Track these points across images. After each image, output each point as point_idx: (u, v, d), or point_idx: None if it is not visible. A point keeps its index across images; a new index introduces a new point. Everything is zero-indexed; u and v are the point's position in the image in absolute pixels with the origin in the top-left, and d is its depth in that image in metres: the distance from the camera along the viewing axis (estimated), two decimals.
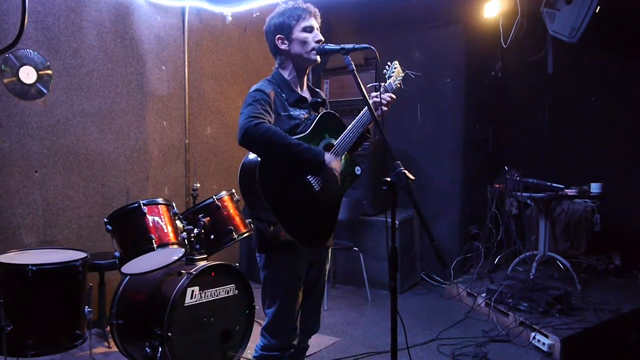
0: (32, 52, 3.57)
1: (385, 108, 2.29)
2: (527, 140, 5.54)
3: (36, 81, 3.59)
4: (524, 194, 4.57)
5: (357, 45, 2.12)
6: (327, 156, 2.08)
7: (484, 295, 4.34)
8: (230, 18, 5.00)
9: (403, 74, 2.47)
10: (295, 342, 2.28)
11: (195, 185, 3.72)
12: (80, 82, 3.89)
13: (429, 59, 5.31)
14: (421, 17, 5.25)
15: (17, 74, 3.50)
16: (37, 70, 3.59)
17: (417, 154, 5.42)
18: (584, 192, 4.55)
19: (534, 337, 3.59)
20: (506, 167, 4.74)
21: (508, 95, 5.76)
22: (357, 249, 4.70)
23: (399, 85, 2.45)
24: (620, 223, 5.04)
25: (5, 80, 3.46)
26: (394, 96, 2.34)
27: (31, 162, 3.62)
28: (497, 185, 4.85)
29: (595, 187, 4.54)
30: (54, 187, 3.74)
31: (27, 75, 3.55)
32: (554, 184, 4.53)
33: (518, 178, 4.58)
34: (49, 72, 3.67)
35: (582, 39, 3.88)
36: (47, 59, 3.66)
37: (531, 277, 4.49)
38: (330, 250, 2.45)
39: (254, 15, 4.95)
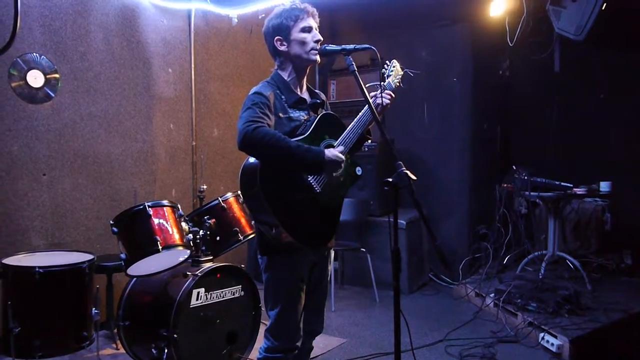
0: (39, 56, 3.61)
1: (387, 101, 2.29)
2: (535, 139, 5.50)
3: (44, 85, 3.63)
4: (532, 193, 4.53)
5: (358, 46, 2.13)
6: (328, 150, 2.08)
7: (492, 295, 4.31)
8: (236, 20, 5.02)
9: (402, 73, 2.47)
10: (298, 344, 2.28)
11: (202, 187, 3.72)
12: (88, 85, 3.92)
13: (435, 58, 5.30)
14: (427, 16, 5.24)
15: (25, 78, 3.53)
16: (44, 74, 3.63)
17: (424, 154, 5.40)
18: (593, 190, 4.51)
19: (542, 338, 3.56)
20: (514, 167, 4.71)
21: (515, 94, 5.72)
22: (364, 249, 4.69)
23: (398, 84, 2.45)
24: (631, 222, 4.97)
25: (14, 84, 3.49)
26: (393, 95, 2.34)
27: (39, 165, 3.65)
28: (506, 185, 4.82)
29: (604, 186, 4.48)
30: (62, 190, 3.77)
31: (35, 79, 3.58)
32: (562, 183, 4.49)
33: (526, 177, 4.55)
34: (57, 75, 3.70)
35: (588, 36, 3.84)
36: (54, 62, 3.69)
37: (540, 277, 4.45)
38: (332, 251, 2.44)
39: (260, 17, 4.96)
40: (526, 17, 4.31)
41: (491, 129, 5.55)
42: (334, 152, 2.11)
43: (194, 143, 4.74)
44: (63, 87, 3.76)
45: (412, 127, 5.42)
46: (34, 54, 3.59)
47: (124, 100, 4.16)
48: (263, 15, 4.87)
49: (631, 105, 5.00)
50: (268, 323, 2.28)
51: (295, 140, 2.06)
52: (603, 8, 3.66)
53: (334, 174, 2.17)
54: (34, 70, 3.57)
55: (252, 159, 2.10)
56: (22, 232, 3.56)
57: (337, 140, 2.22)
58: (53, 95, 3.69)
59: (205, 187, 3.75)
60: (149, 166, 4.36)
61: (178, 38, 4.63)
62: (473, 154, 5.27)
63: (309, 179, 2.11)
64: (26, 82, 3.54)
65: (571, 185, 4.47)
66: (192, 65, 4.73)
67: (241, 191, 2.16)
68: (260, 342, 2.46)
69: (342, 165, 2.15)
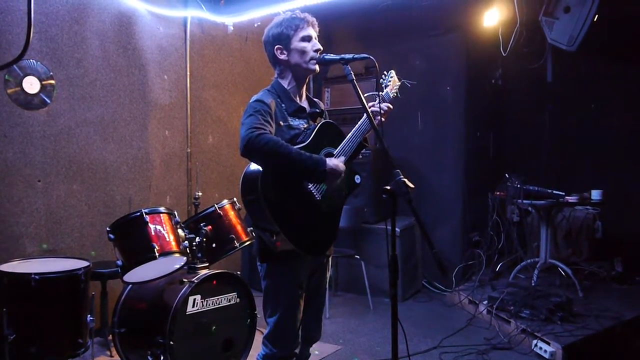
0: (35, 63, 3.61)
1: (383, 118, 2.31)
2: (527, 148, 5.56)
3: (39, 91, 3.63)
4: (525, 201, 4.58)
5: (356, 55, 2.15)
6: (329, 160, 2.10)
7: (485, 302, 4.34)
8: (231, 28, 5.04)
9: (399, 83, 2.50)
10: (296, 351, 2.28)
11: (197, 193, 3.73)
12: (83, 91, 3.92)
13: (429, 67, 5.35)
14: (421, 26, 5.29)
15: (20, 84, 3.53)
16: (40, 81, 3.63)
17: (418, 162, 5.44)
18: (584, 199, 4.56)
19: (535, 345, 3.59)
20: (507, 175, 4.75)
21: (509, 103, 5.79)
22: (358, 256, 4.70)
23: (395, 95, 2.48)
24: (621, 229, 5.04)
25: (9, 91, 3.49)
26: (390, 106, 2.37)
27: (34, 171, 3.64)
28: (498, 193, 4.86)
29: (595, 194, 4.54)
30: (56, 196, 3.76)
31: (31, 85, 3.58)
32: (554, 191, 4.54)
33: (519, 185, 4.59)
34: (52, 82, 3.70)
35: (580, 46, 3.91)
36: (50, 69, 3.69)
37: (533, 284, 4.49)
38: (330, 258, 2.46)
39: (255, 25, 4.99)
40: (519, 28, 4.37)
41: (484, 137, 5.60)
42: (335, 161, 2.12)
43: (188, 150, 4.75)
44: (59, 93, 3.76)
45: (406, 135, 5.45)
46: (30, 60, 3.59)
47: (119, 106, 4.16)
48: (259, 23, 4.92)
49: (622, 115, 5.07)
50: (266, 330, 2.29)
51: (297, 148, 2.08)
52: (595, 19, 3.73)
53: (334, 183, 2.18)
54: (29, 76, 3.57)
55: (253, 166, 2.11)
56: (17, 239, 3.55)
57: (336, 148, 2.25)
58: (49, 101, 3.69)
59: (200, 194, 3.76)
60: (144, 173, 4.36)
61: (174, 45, 4.65)
62: (466, 162, 5.31)
63: (309, 187, 2.13)
64: (22, 89, 3.54)
65: (563, 194, 4.52)
66: (188, 73, 4.74)
67: (242, 197, 2.17)
68: (255, 349, 2.47)
69: (343, 175, 2.16)
